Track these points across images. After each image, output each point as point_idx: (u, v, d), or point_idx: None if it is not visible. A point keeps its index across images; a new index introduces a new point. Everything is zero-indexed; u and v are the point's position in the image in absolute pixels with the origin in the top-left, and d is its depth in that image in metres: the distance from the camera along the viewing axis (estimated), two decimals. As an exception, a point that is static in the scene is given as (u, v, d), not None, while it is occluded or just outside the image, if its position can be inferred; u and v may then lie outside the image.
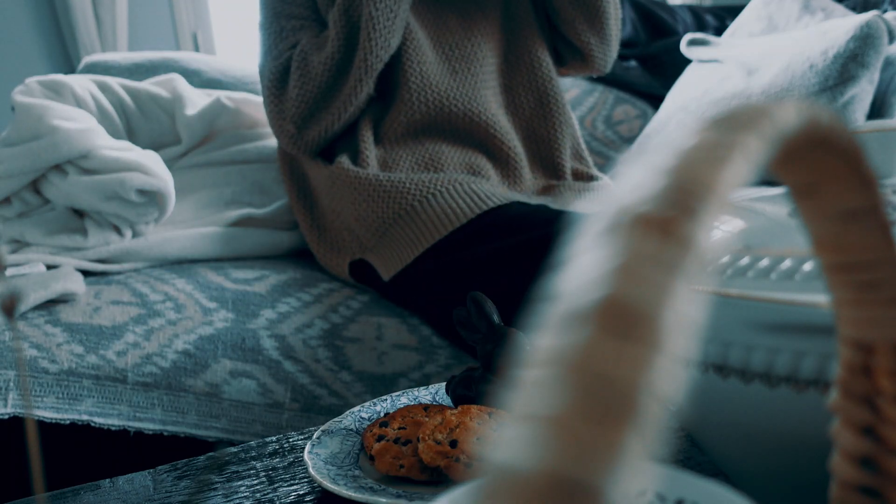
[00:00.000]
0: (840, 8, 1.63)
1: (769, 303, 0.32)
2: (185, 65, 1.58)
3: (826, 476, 0.26)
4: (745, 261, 0.36)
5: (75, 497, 0.54)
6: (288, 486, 0.53)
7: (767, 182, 0.27)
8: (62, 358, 0.90)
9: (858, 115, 1.35)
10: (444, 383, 0.61)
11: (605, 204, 0.13)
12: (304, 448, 0.57)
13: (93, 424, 0.89)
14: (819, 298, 0.31)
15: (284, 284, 1.08)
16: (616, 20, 1.20)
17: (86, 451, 0.90)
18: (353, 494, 0.47)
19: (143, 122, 1.33)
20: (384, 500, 0.46)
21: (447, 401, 0.60)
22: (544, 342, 0.12)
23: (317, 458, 0.52)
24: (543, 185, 1.17)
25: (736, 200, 0.41)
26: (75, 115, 1.15)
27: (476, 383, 0.57)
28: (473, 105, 1.11)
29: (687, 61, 1.68)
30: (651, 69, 1.89)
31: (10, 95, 1.21)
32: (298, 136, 1.10)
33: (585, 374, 0.11)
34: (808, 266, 0.34)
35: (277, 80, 1.08)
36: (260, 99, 1.40)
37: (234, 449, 0.59)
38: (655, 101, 1.80)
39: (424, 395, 0.62)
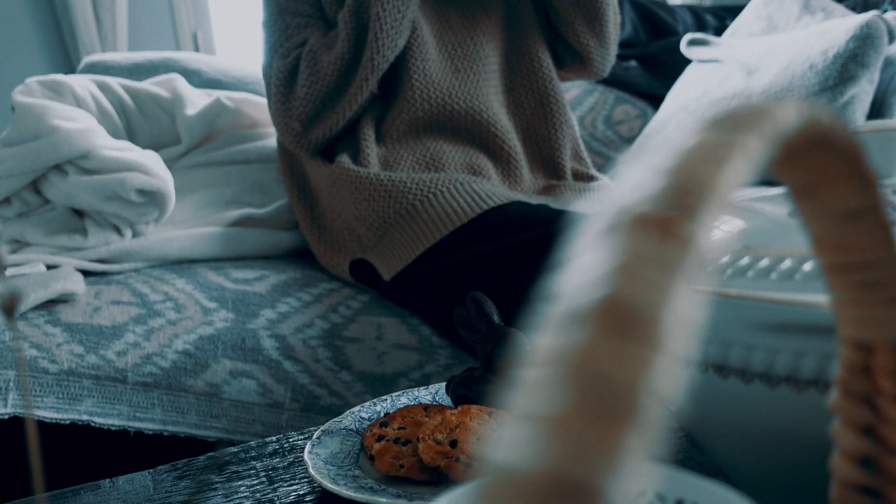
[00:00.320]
0: (840, 8, 1.63)
1: (769, 303, 0.32)
2: (185, 65, 1.58)
3: (826, 476, 0.26)
4: (745, 261, 0.36)
5: (75, 497, 0.54)
6: (288, 486, 0.53)
7: (767, 182, 0.27)
8: (62, 358, 0.90)
9: (858, 115, 1.35)
10: (444, 383, 0.61)
11: (605, 204, 0.13)
12: (304, 448, 0.57)
13: (93, 424, 0.89)
14: (819, 298, 0.31)
15: (284, 284, 1.08)
16: (615, 24, 1.21)
17: (86, 451, 0.90)
18: (353, 494, 0.47)
19: (143, 122, 1.33)
20: (384, 500, 0.46)
21: (447, 401, 0.60)
22: (544, 342, 0.12)
23: (317, 458, 0.52)
24: (544, 185, 1.17)
25: (736, 200, 0.41)
26: (75, 115, 1.15)
27: (476, 383, 0.57)
28: (475, 104, 1.12)
29: (687, 61, 1.68)
30: (651, 69, 1.89)
31: (10, 95, 1.21)
32: (303, 135, 1.10)
33: (585, 374, 0.11)
34: (808, 266, 0.34)
35: (286, 78, 1.09)
36: (260, 99, 1.40)
37: (234, 449, 0.59)
38: (655, 101, 1.80)
39: (424, 395, 0.62)
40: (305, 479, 0.53)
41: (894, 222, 0.23)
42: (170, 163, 1.29)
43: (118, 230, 1.13)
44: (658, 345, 0.11)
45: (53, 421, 0.87)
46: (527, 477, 0.10)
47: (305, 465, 0.51)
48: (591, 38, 1.18)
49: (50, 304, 0.97)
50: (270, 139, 1.35)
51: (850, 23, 1.33)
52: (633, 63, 1.89)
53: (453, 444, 0.50)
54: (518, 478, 0.10)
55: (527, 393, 0.11)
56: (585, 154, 1.24)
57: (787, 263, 0.35)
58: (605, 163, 1.67)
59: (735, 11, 1.89)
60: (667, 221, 0.12)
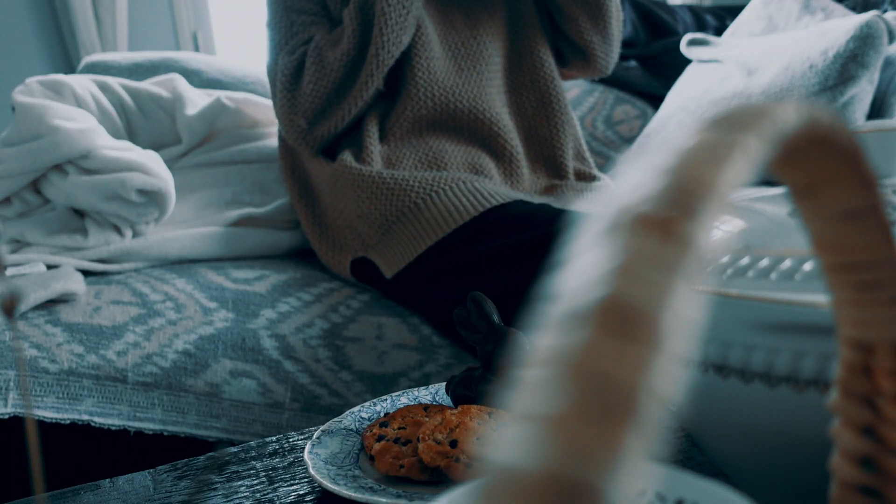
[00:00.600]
0: (840, 8, 1.63)
1: (769, 303, 0.32)
2: (185, 65, 1.58)
3: (826, 476, 0.26)
4: (745, 261, 0.36)
5: (75, 497, 0.54)
6: (288, 486, 0.53)
7: (767, 182, 0.27)
8: (62, 358, 0.90)
9: (858, 115, 1.35)
10: (444, 383, 0.61)
11: (605, 204, 0.13)
12: (304, 448, 0.57)
13: (93, 424, 0.89)
14: (819, 298, 0.31)
15: (285, 284, 1.08)
16: (618, 21, 1.21)
17: (86, 451, 0.90)
18: (353, 494, 0.47)
19: (143, 122, 1.33)
20: (384, 500, 0.46)
21: (447, 401, 0.60)
22: (544, 342, 0.12)
23: (317, 458, 0.52)
24: (546, 184, 1.17)
25: (736, 200, 0.41)
26: (76, 115, 1.15)
27: (476, 383, 0.57)
28: (478, 103, 1.12)
29: (687, 61, 1.68)
30: (651, 69, 1.89)
31: (10, 95, 1.21)
32: (308, 132, 1.10)
33: (585, 374, 0.11)
34: (808, 266, 0.34)
35: (291, 74, 1.09)
36: (260, 99, 1.40)
37: (234, 449, 0.59)
38: (655, 101, 1.80)
39: (424, 395, 0.62)
40: (305, 479, 0.53)
41: (894, 222, 0.23)
42: (170, 163, 1.29)
43: (118, 230, 1.13)
44: (658, 345, 0.11)
45: (53, 421, 0.87)
46: (527, 477, 0.10)
47: (305, 465, 0.51)
48: (594, 35, 1.19)
49: (50, 304, 0.97)
50: (271, 139, 1.35)
51: (850, 23, 1.33)
52: (633, 63, 1.89)
53: (453, 444, 0.50)
54: (518, 478, 0.10)
55: (527, 393, 0.11)
56: (588, 154, 1.24)
57: (787, 263, 0.35)
58: (605, 163, 1.67)
59: (735, 11, 1.89)
60: (667, 221, 0.12)
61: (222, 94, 1.35)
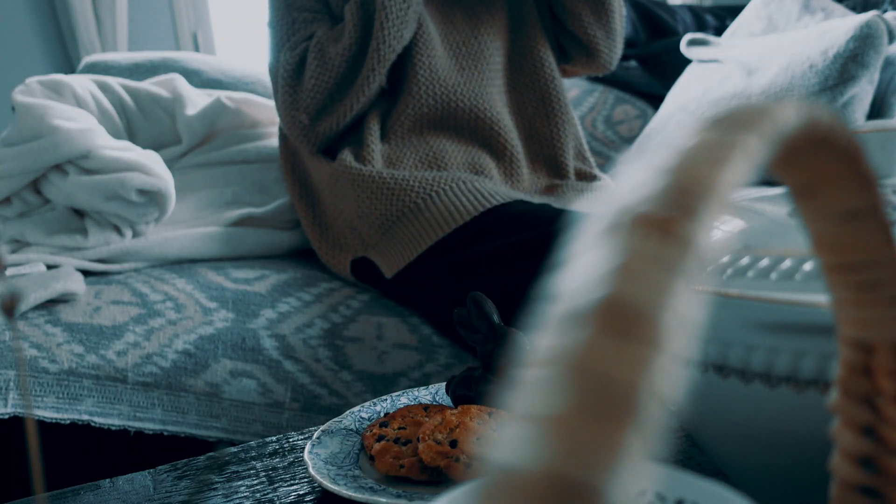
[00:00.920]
0: (840, 8, 1.63)
1: (769, 303, 0.32)
2: (185, 65, 1.58)
3: (826, 476, 0.26)
4: (745, 261, 0.36)
5: (75, 497, 0.54)
6: (288, 486, 0.53)
7: (767, 182, 0.27)
8: (62, 358, 0.90)
9: (858, 115, 1.35)
10: (444, 383, 0.61)
11: (605, 204, 0.13)
12: (304, 448, 0.57)
13: (93, 424, 0.89)
14: (819, 298, 0.31)
15: (284, 284, 1.08)
16: (620, 16, 1.20)
17: (86, 451, 0.90)
18: (353, 494, 0.47)
19: (143, 122, 1.33)
20: (384, 500, 0.46)
21: (447, 401, 0.60)
22: (544, 342, 0.12)
23: (317, 458, 0.52)
24: (547, 184, 1.17)
25: (736, 200, 0.41)
26: (76, 115, 1.15)
27: (476, 383, 0.57)
28: (479, 102, 1.12)
29: (687, 61, 1.68)
30: (651, 69, 1.89)
31: (10, 95, 1.21)
32: (311, 128, 1.10)
33: (585, 374, 0.11)
34: (808, 266, 0.34)
35: (293, 70, 1.09)
36: (260, 99, 1.41)
37: (234, 449, 0.59)
38: (655, 101, 1.80)
39: (424, 395, 0.62)
40: (305, 479, 0.53)
41: (894, 222, 0.23)
42: (170, 163, 1.29)
43: (118, 230, 1.13)
44: (658, 345, 0.11)
45: (53, 421, 0.87)
46: (527, 477, 0.10)
47: (305, 465, 0.51)
48: (597, 29, 1.18)
49: (50, 304, 0.97)
50: (271, 139, 1.35)
51: (850, 23, 1.33)
52: (633, 63, 1.89)
53: (453, 444, 0.50)
54: (518, 478, 0.10)
55: (527, 393, 0.11)
56: (589, 154, 1.24)
57: (787, 263, 0.35)
58: (605, 163, 1.67)
59: (735, 11, 1.89)
60: (667, 221, 0.12)
61: (222, 94, 1.35)
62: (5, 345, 0.90)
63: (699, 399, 0.36)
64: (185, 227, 1.20)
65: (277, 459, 0.57)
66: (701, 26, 1.99)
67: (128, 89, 1.32)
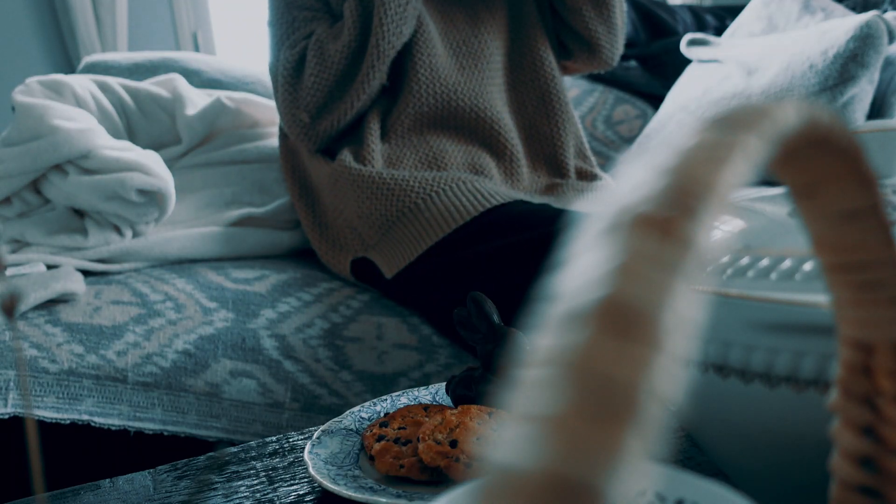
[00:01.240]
0: (840, 8, 1.63)
1: (769, 303, 0.32)
2: (185, 65, 1.58)
3: (826, 476, 0.26)
4: (745, 261, 0.36)
5: (75, 497, 0.54)
6: (288, 486, 0.53)
7: (767, 182, 0.27)
8: (62, 358, 0.90)
9: (858, 115, 1.35)
10: (444, 383, 0.61)
11: (605, 204, 0.13)
12: (304, 448, 0.57)
13: (93, 424, 0.89)
14: (819, 298, 0.31)
15: (284, 284, 1.08)
16: (622, 11, 1.20)
17: (86, 451, 0.90)
18: (353, 494, 0.47)
19: (143, 122, 1.33)
20: (384, 500, 0.46)
21: (447, 401, 0.60)
22: (544, 342, 0.12)
23: (317, 458, 0.52)
24: (547, 183, 1.17)
25: (736, 200, 0.41)
26: (76, 115, 1.15)
27: (476, 383, 0.57)
28: (479, 101, 1.12)
29: (687, 61, 1.68)
30: (651, 69, 1.89)
31: (10, 95, 1.21)
32: (311, 127, 1.10)
33: (585, 374, 0.11)
34: (808, 266, 0.34)
35: (293, 68, 1.09)
36: (260, 99, 1.41)
37: (234, 449, 0.59)
38: (655, 101, 1.80)
39: (424, 395, 0.62)
40: (305, 479, 0.53)
41: (894, 222, 0.23)
42: (170, 163, 1.29)
43: (118, 230, 1.13)
44: (658, 345, 0.11)
45: (53, 421, 0.87)
46: (526, 477, 0.10)
47: (305, 465, 0.51)
48: (599, 25, 1.18)
49: (50, 304, 0.97)
50: (271, 139, 1.35)
51: (850, 23, 1.33)
52: (633, 63, 1.89)
53: (453, 444, 0.50)
54: (518, 478, 0.10)
55: (526, 393, 0.11)
56: (590, 153, 1.24)
57: (787, 263, 0.35)
58: (605, 163, 1.67)
59: (735, 11, 1.89)
60: (667, 221, 0.12)
61: (222, 94, 1.35)
62: (5, 345, 0.90)
63: (699, 399, 0.36)
64: (185, 227, 1.20)
65: (277, 459, 0.57)
66: (701, 26, 1.99)
67: (128, 89, 1.32)
